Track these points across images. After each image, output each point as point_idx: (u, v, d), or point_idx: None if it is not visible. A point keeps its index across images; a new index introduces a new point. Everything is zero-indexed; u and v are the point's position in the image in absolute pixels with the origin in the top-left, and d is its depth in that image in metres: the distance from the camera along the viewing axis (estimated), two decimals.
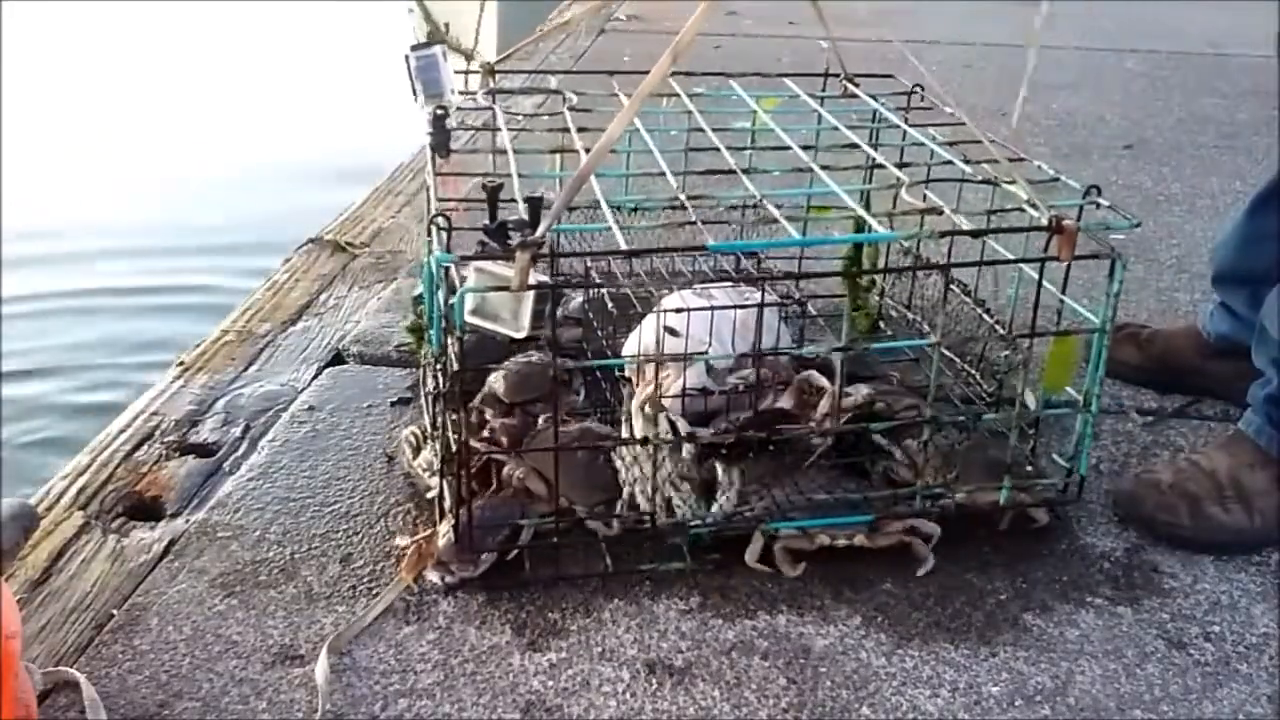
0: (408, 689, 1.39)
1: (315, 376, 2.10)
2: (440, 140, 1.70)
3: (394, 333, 2.23)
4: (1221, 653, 1.46)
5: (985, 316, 1.75)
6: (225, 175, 5.44)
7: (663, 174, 1.59)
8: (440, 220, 1.43)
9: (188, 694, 1.38)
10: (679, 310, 1.68)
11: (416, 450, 1.76)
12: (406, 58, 1.73)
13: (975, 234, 1.51)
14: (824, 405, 1.66)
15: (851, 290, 2.05)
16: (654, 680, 1.40)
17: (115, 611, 1.51)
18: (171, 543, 1.64)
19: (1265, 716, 1.37)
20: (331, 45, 7.54)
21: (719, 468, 1.60)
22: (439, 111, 1.71)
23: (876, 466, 1.68)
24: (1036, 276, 1.51)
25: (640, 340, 1.81)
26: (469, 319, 1.42)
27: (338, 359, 2.17)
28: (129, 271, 4.61)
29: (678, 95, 1.88)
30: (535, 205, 1.37)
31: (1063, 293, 1.57)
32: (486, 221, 1.39)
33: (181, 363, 2.16)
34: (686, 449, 1.58)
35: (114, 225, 5.01)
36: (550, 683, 1.40)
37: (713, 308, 1.70)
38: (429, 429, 1.75)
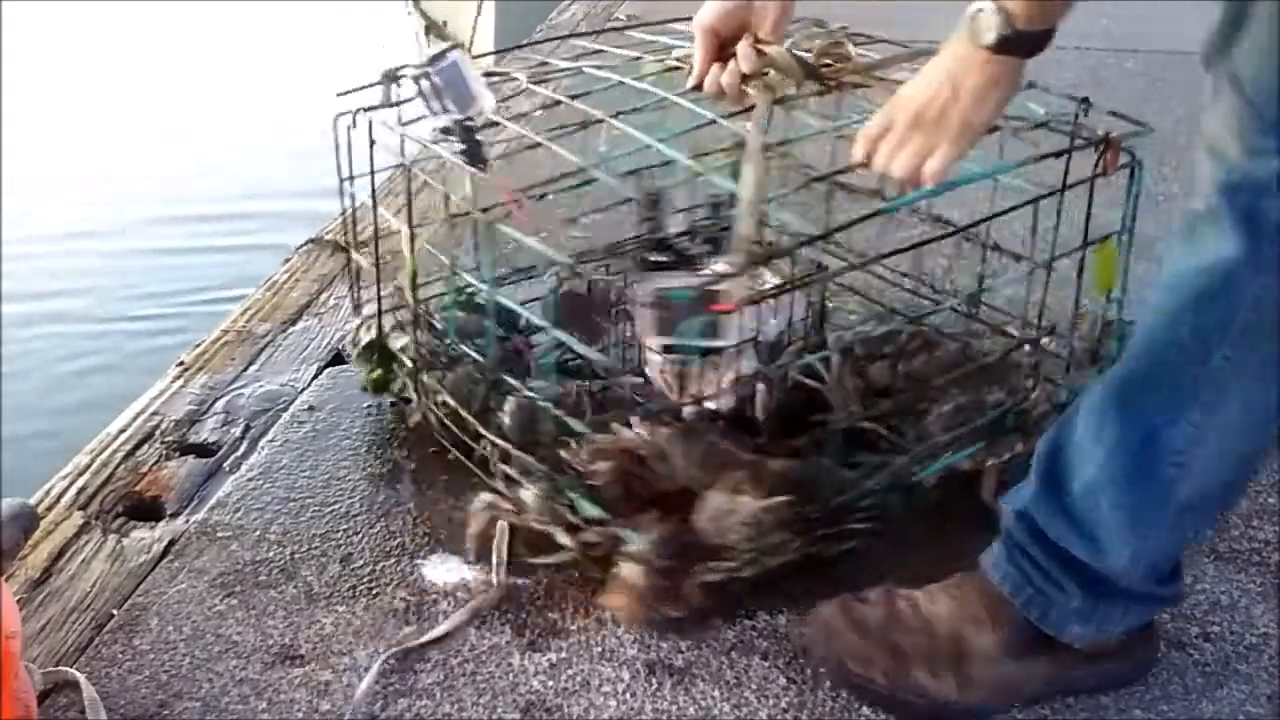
0: (408, 689, 1.39)
1: (315, 376, 2.10)
2: (474, 152, 1.56)
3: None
4: (1221, 653, 1.46)
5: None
6: (224, 180, 5.45)
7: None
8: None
9: (188, 694, 1.38)
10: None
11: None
12: (420, 78, 1.56)
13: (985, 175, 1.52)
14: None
15: None
16: (654, 680, 1.40)
17: (115, 611, 1.51)
18: (171, 543, 1.64)
19: (1265, 716, 1.37)
20: (330, 45, 7.53)
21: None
22: (467, 122, 1.55)
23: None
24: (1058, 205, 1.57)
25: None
26: (662, 341, 1.37)
27: (338, 359, 2.17)
28: (125, 274, 4.62)
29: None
30: (654, 200, 1.32)
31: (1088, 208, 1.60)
32: (646, 234, 1.34)
33: (181, 362, 2.16)
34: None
35: (112, 225, 5.02)
36: (550, 683, 1.40)
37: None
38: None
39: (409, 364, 1.79)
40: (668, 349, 1.46)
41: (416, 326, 1.77)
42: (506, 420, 1.64)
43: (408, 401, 1.85)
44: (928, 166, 1.27)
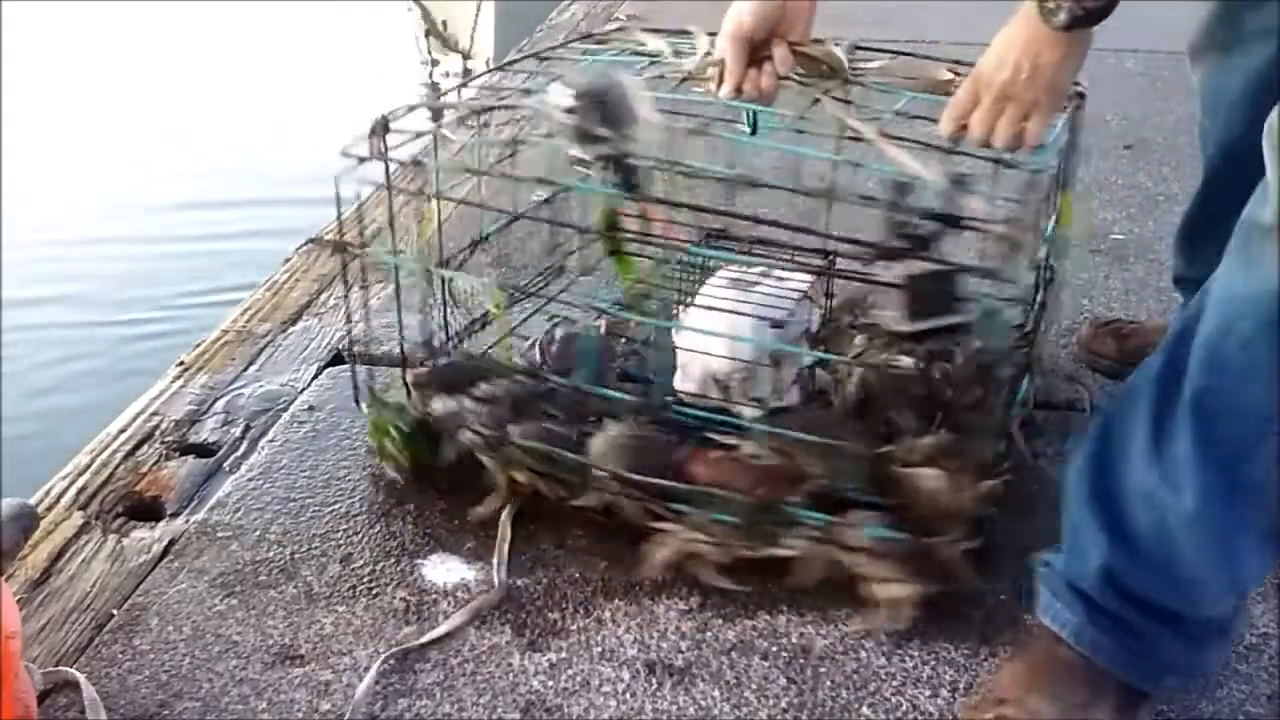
0: (408, 689, 1.39)
1: (315, 376, 2.10)
2: (630, 180, 1.47)
3: (394, 332, 2.22)
4: None
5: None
6: (225, 178, 5.44)
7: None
8: None
9: (188, 694, 1.38)
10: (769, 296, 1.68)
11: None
12: (587, 105, 1.45)
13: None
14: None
15: None
16: (654, 680, 1.40)
17: (115, 611, 1.51)
18: (171, 543, 1.64)
19: (1265, 716, 1.37)
20: (332, 43, 7.53)
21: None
22: (621, 149, 1.45)
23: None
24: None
25: (727, 345, 1.67)
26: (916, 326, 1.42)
27: (338, 359, 2.17)
28: (125, 272, 4.62)
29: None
30: (903, 189, 1.38)
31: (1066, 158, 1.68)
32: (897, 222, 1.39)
33: (181, 362, 2.16)
34: None
35: (113, 222, 5.02)
36: (550, 683, 1.40)
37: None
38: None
39: (480, 434, 1.65)
40: (917, 335, 1.47)
41: (494, 381, 1.69)
42: (607, 448, 1.59)
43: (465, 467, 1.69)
44: (1030, 130, 1.36)
